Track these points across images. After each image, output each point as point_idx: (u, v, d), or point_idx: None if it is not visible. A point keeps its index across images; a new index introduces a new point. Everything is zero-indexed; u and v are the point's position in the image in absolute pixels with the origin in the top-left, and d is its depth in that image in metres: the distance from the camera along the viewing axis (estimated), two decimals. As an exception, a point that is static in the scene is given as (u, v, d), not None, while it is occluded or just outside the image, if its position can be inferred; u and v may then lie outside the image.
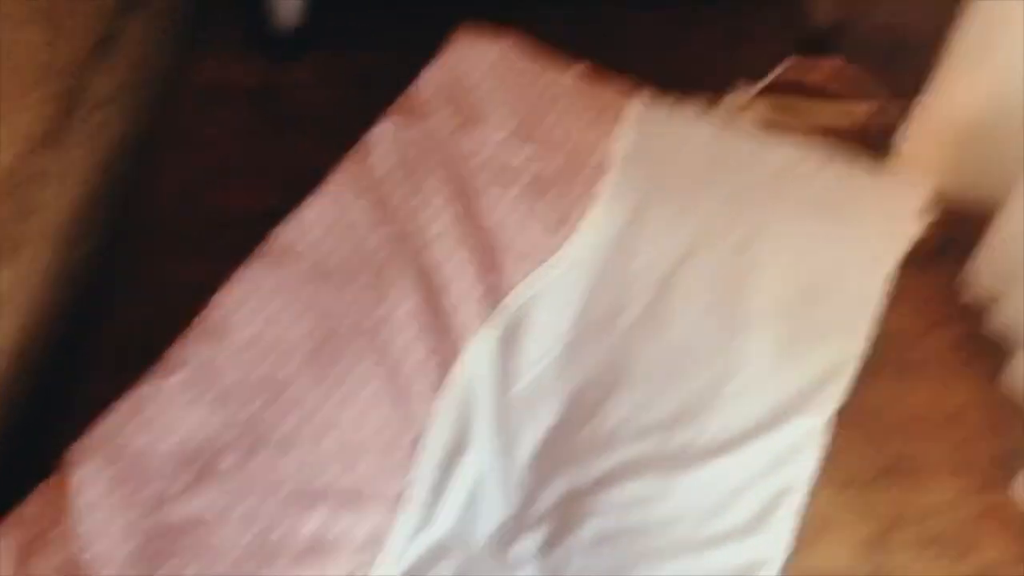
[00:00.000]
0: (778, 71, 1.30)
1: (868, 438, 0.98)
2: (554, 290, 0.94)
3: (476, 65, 1.12)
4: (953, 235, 1.13)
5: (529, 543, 0.81)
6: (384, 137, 1.04)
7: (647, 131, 1.06)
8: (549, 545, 0.80)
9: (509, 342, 0.90)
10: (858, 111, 1.27)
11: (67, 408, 0.99)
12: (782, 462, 0.83)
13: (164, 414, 0.80)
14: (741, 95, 1.26)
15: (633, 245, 0.96)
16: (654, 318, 0.91)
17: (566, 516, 0.81)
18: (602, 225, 0.98)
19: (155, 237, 1.12)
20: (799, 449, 0.84)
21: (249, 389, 0.83)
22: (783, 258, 0.95)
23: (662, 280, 0.93)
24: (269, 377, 0.84)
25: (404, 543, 0.79)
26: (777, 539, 0.78)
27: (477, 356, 0.89)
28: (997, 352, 1.08)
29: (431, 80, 1.10)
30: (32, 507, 0.75)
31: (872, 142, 1.21)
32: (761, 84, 1.28)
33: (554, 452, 0.85)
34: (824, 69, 1.32)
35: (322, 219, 0.96)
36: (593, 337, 0.91)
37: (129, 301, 1.07)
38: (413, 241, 0.95)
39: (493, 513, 0.83)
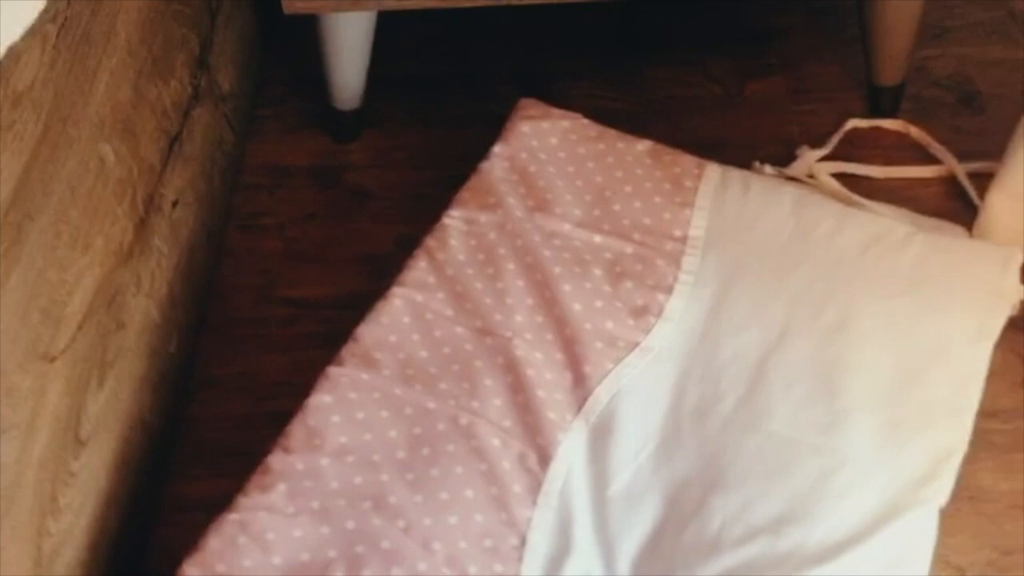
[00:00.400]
0: (840, 135, 1.29)
1: (977, 523, 0.95)
2: (643, 381, 0.92)
3: (541, 145, 1.12)
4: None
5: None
6: (457, 225, 1.04)
7: (723, 207, 1.05)
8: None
9: (602, 438, 0.89)
10: (929, 175, 1.25)
11: (160, 508, 0.99)
12: (897, 560, 0.81)
13: (267, 534, 0.79)
14: (806, 161, 1.25)
15: (721, 331, 0.95)
16: (750, 410, 0.89)
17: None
18: (687, 310, 0.97)
19: (235, 331, 1.13)
20: (913, 544, 0.82)
21: (350, 499, 0.82)
22: (880, 338, 0.92)
23: (755, 368, 0.92)
24: (368, 485, 0.83)
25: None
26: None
27: (572, 452, 0.88)
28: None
29: (497, 162, 1.10)
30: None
31: (948, 211, 1.20)
32: (826, 148, 1.27)
33: (658, 556, 0.83)
34: (889, 131, 1.31)
35: (403, 316, 0.96)
36: (688, 431, 0.89)
37: (213, 399, 1.07)
38: (496, 334, 0.94)
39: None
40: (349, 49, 1.26)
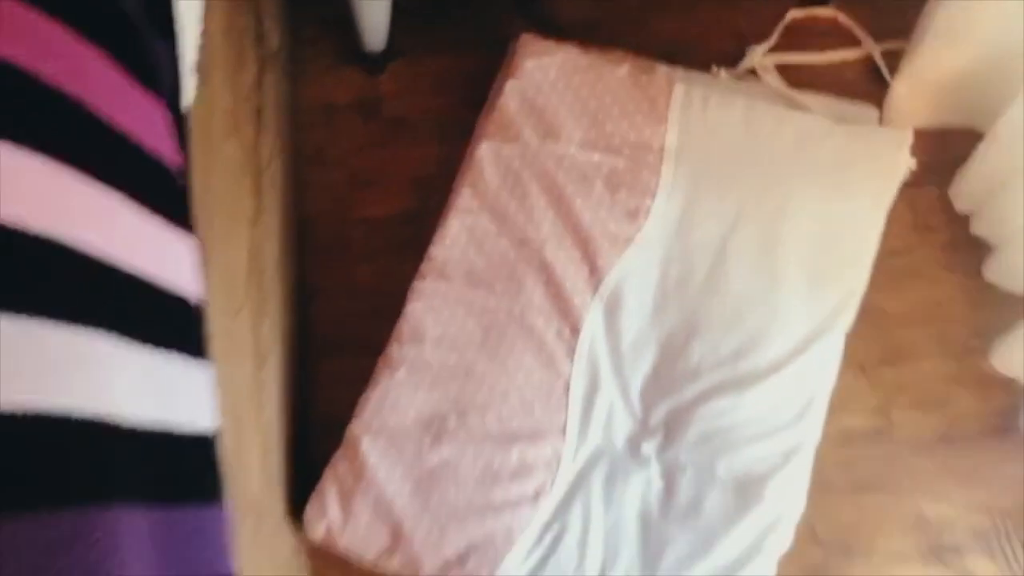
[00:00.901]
0: (780, 28, 1.57)
1: (875, 332, 1.36)
2: (638, 267, 1.29)
3: (544, 79, 1.41)
4: (942, 156, 1.45)
5: (650, 446, 1.22)
6: (488, 157, 1.36)
7: (689, 121, 1.36)
8: (664, 447, 1.22)
9: (613, 311, 1.28)
10: (852, 58, 1.55)
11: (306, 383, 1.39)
12: (816, 371, 1.22)
13: (401, 399, 1.20)
14: (752, 57, 1.54)
15: (692, 222, 1.31)
16: (715, 278, 1.27)
17: (673, 427, 1.22)
18: (666, 209, 1.32)
19: (327, 249, 1.48)
20: (827, 359, 1.23)
21: (449, 373, 1.22)
22: (805, 218, 1.29)
23: (717, 248, 1.29)
24: (459, 362, 1.23)
25: (571, 457, 1.21)
26: (814, 425, 1.19)
27: (593, 324, 1.27)
28: (979, 251, 1.43)
29: (511, 98, 1.39)
30: (339, 468, 1.17)
31: (867, 88, 1.51)
32: (768, 44, 1.55)
33: (657, 385, 1.24)
34: (821, 20, 1.59)
35: (460, 236, 1.31)
36: (672, 298, 1.28)
37: (324, 302, 1.44)
38: (529, 244, 1.30)
39: (623, 429, 1.24)
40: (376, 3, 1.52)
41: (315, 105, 1.62)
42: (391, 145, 1.58)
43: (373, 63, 1.61)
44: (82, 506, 0.51)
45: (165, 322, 0.63)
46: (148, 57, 0.69)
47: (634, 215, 1.31)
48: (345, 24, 1.58)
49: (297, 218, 1.49)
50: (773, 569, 1.15)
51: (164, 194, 0.66)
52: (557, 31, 1.50)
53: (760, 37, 1.57)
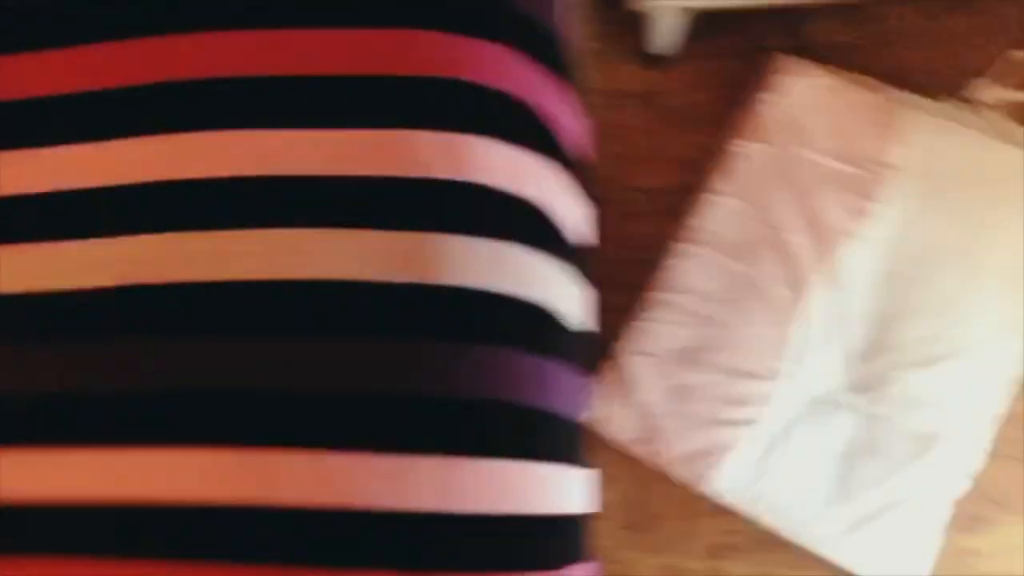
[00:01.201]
0: (1006, 64, 1.80)
1: None
2: (859, 256, 1.62)
3: (796, 94, 1.74)
4: None
5: (853, 399, 1.58)
6: (744, 152, 1.72)
7: (918, 141, 1.66)
8: (865, 401, 1.57)
9: (834, 289, 1.61)
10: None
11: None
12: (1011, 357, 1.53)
13: (659, 331, 1.61)
14: (980, 90, 1.78)
15: (909, 228, 1.62)
16: (925, 280, 1.59)
17: (875, 385, 1.56)
18: (888, 214, 1.64)
19: (608, 211, 1.89)
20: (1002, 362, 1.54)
21: (698, 319, 1.61)
22: (1014, 239, 1.57)
23: (929, 251, 1.60)
24: (706, 312, 1.61)
25: (785, 397, 1.58)
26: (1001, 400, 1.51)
27: (817, 297, 1.62)
28: None
29: (767, 106, 1.73)
30: (608, 377, 1.61)
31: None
32: (996, 79, 1.79)
33: (864, 352, 1.59)
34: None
35: (715, 212, 1.69)
36: (885, 286, 1.60)
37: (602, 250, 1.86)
38: (772, 226, 1.65)
39: (832, 382, 1.59)
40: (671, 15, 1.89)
41: (608, 89, 2.02)
42: (662, 130, 1.97)
43: (655, 61, 1.99)
44: None
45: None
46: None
47: (860, 214, 1.64)
48: (636, 25, 1.96)
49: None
50: (947, 510, 1.50)
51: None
52: (811, 51, 1.82)
53: (992, 73, 1.82)
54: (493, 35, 0.67)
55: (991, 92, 1.79)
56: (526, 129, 0.69)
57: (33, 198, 0.58)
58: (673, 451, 1.56)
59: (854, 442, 1.53)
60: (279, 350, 0.55)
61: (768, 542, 1.63)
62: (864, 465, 1.50)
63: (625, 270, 1.82)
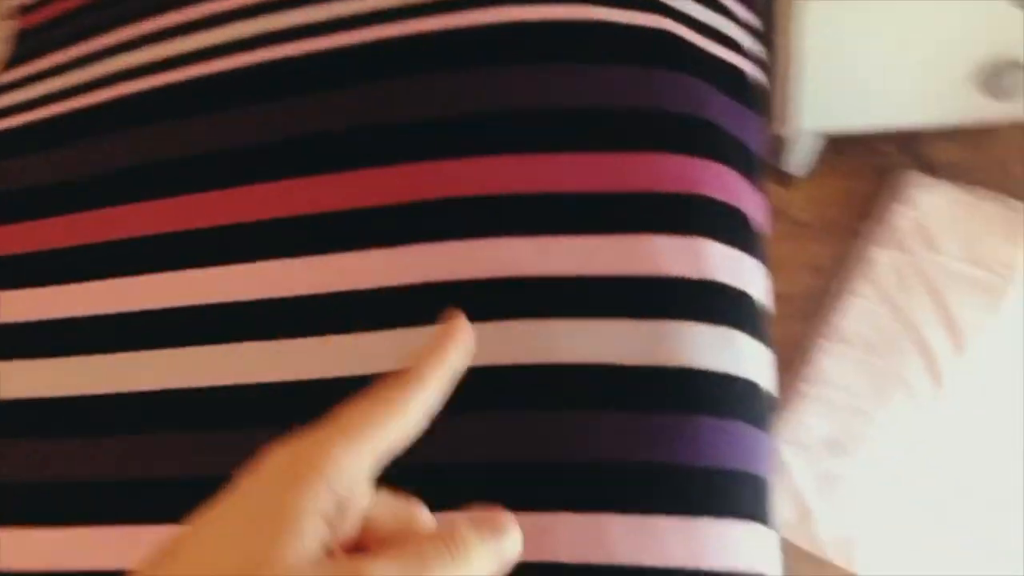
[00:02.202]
0: None
1: None
2: (995, 350, 1.75)
3: (925, 204, 1.92)
4: None
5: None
6: (879, 258, 1.89)
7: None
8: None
9: (971, 376, 1.74)
10: None
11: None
12: None
13: (808, 422, 1.75)
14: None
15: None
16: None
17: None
18: (1014, 309, 1.77)
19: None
20: None
21: (844, 410, 1.75)
22: None
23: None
24: (851, 403, 1.75)
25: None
26: None
27: (954, 385, 1.74)
28: None
29: (899, 217, 1.91)
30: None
31: None
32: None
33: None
34: None
35: (856, 312, 1.84)
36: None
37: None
38: (909, 323, 1.80)
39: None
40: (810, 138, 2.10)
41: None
42: (794, 240, 2.15)
43: (787, 178, 2.20)
44: None
45: None
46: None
47: (992, 311, 1.78)
48: (773, 146, 2.18)
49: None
50: None
51: None
52: (930, 169, 2.00)
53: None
54: (723, 158, 0.79)
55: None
56: (746, 235, 0.81)
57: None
58: (826, 536, 1.67)
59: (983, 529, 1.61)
60: (548, 425, 0.65)
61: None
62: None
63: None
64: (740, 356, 0.72)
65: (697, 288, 0.72)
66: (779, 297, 2.22)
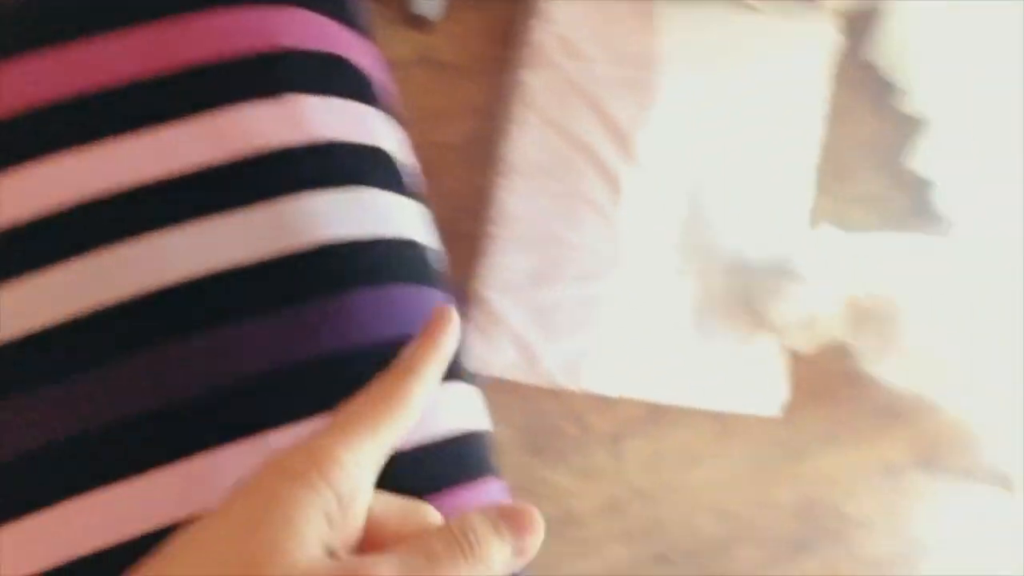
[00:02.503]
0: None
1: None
2: (657, 139, 1.79)
3: (562, 16, 1.87)
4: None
5: (691, 261, 1.74)
6: (531, 80, 1.83)
7: (674, 26, 1.85)
8: (693, 272, 1.74)
9: (647, 174, 1.77)
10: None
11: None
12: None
13: (506, 262, 1.70)
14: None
15: (688, 102, 1.81)
16: (709, 137, 1.78)
17: (704, 244, 1.74)
18: (669, 95, 1.81)
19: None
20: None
21: (537, 240, 1.72)
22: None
23: (704, 117, 1.79)
24: (543, 231, 1.72)
25: (625, 280, 1.72)
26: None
27: (632, 189, 1.76)
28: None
29: (539, 34, 1.85)
30: (476, 321, 1.67)
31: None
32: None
33: (689, 216, 1.75)
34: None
35: (524, 140, 1.79)
36: (688, 158, 1.78)
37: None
38: (577, 139, 1.78)
39: (672, 248, 1.75)
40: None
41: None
42: (447, 85, 2.04)
43: (423, 21, 2.05)
44: None
45: None
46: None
47: (646, 105, 1.80)
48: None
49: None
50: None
51: None
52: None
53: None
54: (308, 3, 0.69)
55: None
56: (356, 85, 0.72)
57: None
58: (551, 365, 1.66)
59: (695, 299, 1.70)
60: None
61: (656, 412, 1.78)
62: (710, 318, 1.67)
63: (458, 220, 1.89)
64: (379, 216, 0.67)
65: (307, 153, 0.64)
66: (447, 147, 2.16)
